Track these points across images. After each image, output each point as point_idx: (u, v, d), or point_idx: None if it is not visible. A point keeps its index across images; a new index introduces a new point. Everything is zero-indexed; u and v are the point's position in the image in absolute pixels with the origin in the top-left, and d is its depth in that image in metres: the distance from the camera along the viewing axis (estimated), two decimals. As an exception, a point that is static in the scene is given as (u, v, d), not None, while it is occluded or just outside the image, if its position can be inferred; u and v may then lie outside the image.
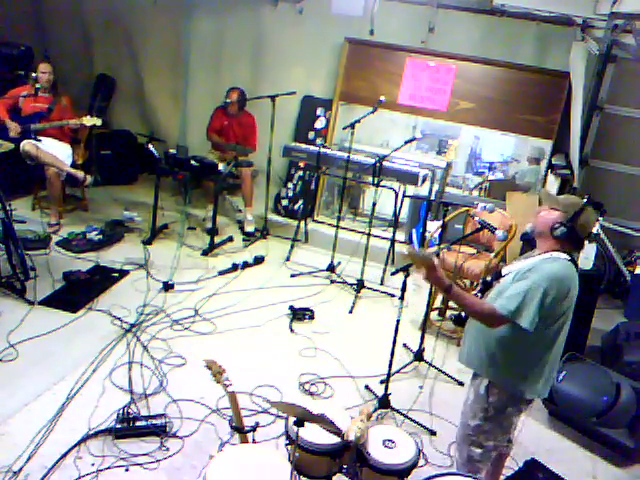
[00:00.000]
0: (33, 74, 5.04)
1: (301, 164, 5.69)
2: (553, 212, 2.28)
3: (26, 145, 4.85)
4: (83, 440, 2.80)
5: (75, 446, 2.76)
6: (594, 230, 4.58)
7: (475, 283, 4.13)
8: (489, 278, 2.46)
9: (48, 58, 5.47)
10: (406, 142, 4.70)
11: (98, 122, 5.02)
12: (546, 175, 5.50)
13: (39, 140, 4.96)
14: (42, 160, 4.87)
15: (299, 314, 4.27)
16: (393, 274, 3.00)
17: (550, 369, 2.33)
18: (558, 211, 2.26)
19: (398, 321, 3.17)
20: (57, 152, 5.04)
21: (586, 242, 4.09)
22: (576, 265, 2.27)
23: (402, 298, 3.09)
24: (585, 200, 2.34)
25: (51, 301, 4.00)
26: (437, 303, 4.41)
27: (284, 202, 6.03)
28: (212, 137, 5.75)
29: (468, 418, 2.43)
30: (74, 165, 5.27)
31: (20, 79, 5.65)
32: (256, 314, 4.24)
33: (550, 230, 2.26)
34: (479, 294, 2.42)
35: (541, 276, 2.17)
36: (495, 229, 3.09)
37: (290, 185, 6.07)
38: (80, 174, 5.08)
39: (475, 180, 6.41)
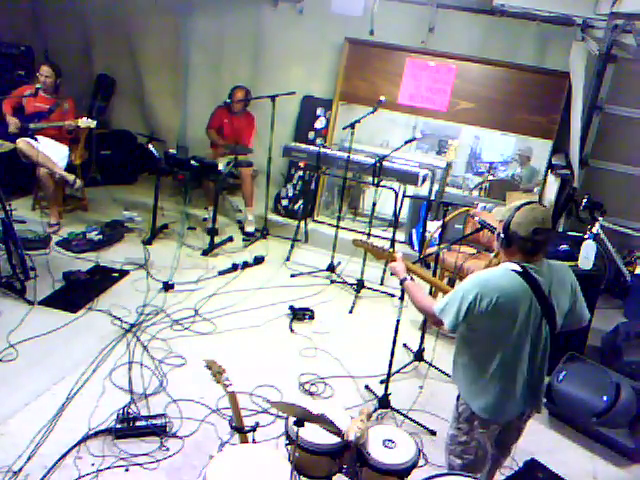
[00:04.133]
0: (37, 74, 5.08)
1: (301, 164, 5.70)
2: (498, 225, 2.24)
3: (20, 142, 4.85)
4: (83, 440, 2.80)
5: (75, 446, 2.76)
6: (594, 230, 4.57)
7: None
8: None
9: (50, 61, 5.46)
10: (406, 142, 4.70)
11: (92, 124, 5.02)
12: (546, 175, 5.50)
13: (36, 139, 4.97)
14: (34, 159, 4.86)
15: (299, 314, 4.27)
16: (393, 274, 3.00)
17: (500, 389, 2.22)
18: (500, 222, 2.22)
19: (398, 321, 3.18)
20: (52, 153, 5.03)
21: (586, 241, 4.13)
22: (528, 276, 2.13)
23: (402, 298, 3.08)
24: (526, 201, 2.22)
25: (51, 301, 4.00)
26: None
27: (284, 202, 6.02)
28: (211, 135, 5.76)
29: (449, 426, 2.46)
30: (70, 166, 5.27)
31: (20, 79, 5.66)
32: (256, 314, 4.24)
33: (497, 242, 2.25)
34: None
35: (467, 279, 2.19)
36: (495, 229, 3.09)
37: (290, 185, 6.07)
38: (70, 177, 5.07)
39: (475, 180, 6.41)
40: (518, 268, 2.15)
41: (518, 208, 2.17)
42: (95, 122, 5.05)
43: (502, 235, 2.19)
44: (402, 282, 2.63)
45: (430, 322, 2.37)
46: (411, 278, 2.65)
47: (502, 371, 2.22)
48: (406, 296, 3.03)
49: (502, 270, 2.18)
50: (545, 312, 2.18)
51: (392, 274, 2.75)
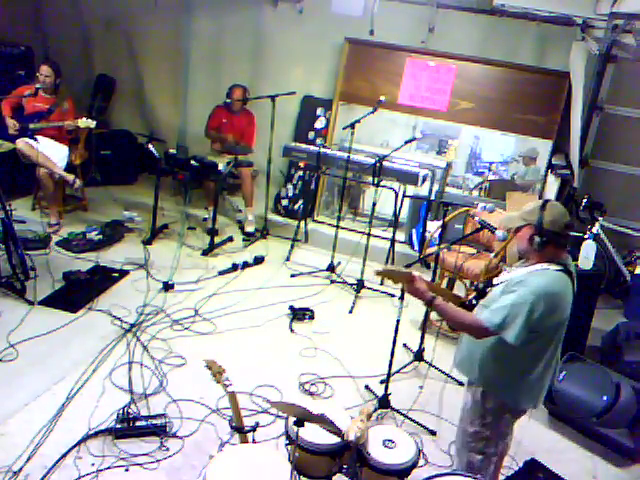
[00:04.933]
0: (37, 73, 5.07)
1: (301, 164, 5.69)
2: (523, 230, 2.23)
3: (20, 143, 4.86)
4: (83, 440, 2.80)
5: (75, 446, 2.76)
6: (594, 230, 4.58)
7: (475, 283, 4.13)
8: (481, 285, 2.44)
9: (50, 60, 5.45)
10: (406, 142, 4.69)
11: (92, 124, 5.02)
12: (546, 175, 5.50)
13: (36, 139, 4.97)
14: (34, 160, 4.86)
15: (299, 314, 4.27)
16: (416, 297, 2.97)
17: (544, 379, 2.30)
18: (525, 226, 2.21)
19: (398, 321, 3.18)
20: (52, 153, 5.03)
21: (586, 241, 4.14)
22: (569, 272, 2.20)
23: (402, 298, 3.08)
24: (542, 200, 2.25)
25: (51, 301, 4.00)
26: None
27: (284, 202, 6.02)
28: (211, 134, 5.77)
29: (466, 424, 2.43)
30: (70, 166, 5.27)
31: (20, 79, 5.66)
32: (256, 314, 4.24)
33: (530, 246, 2.21)
34: (474, 301, 2.41)
35: (528, 290, 2.13)
36: (495, 229, 3.09)
37: (290, 185, 6.07)
38: (70, 177, 5.08)
39: (475, 180, 6.41)
40: (559, 267, 2.18)
41: (542, 208, 2.17)
42: (95, 122, 5.05)
43: (537, 237, 2.16)
44: (431, 302, 2.31)
45: (473, 335, 2.27)
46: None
47: (545, 364, 2.27)
48: (406, 296, 3.04)
49: (551, 272, 2.17)
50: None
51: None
